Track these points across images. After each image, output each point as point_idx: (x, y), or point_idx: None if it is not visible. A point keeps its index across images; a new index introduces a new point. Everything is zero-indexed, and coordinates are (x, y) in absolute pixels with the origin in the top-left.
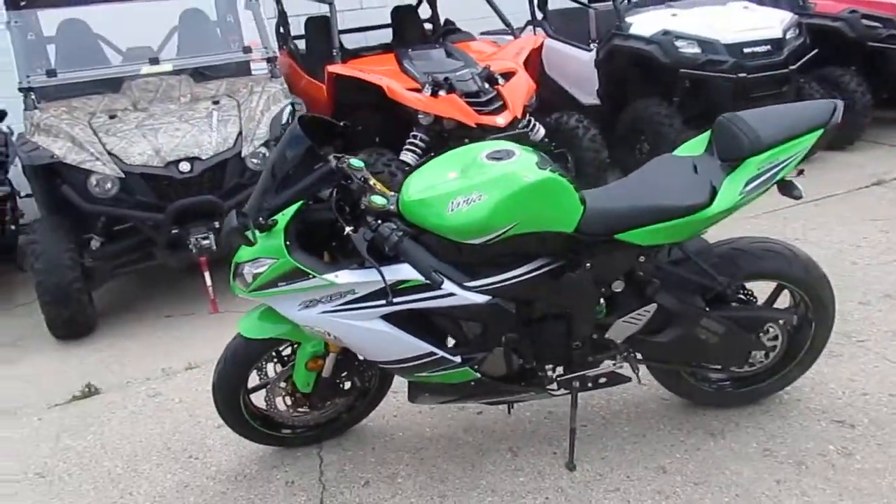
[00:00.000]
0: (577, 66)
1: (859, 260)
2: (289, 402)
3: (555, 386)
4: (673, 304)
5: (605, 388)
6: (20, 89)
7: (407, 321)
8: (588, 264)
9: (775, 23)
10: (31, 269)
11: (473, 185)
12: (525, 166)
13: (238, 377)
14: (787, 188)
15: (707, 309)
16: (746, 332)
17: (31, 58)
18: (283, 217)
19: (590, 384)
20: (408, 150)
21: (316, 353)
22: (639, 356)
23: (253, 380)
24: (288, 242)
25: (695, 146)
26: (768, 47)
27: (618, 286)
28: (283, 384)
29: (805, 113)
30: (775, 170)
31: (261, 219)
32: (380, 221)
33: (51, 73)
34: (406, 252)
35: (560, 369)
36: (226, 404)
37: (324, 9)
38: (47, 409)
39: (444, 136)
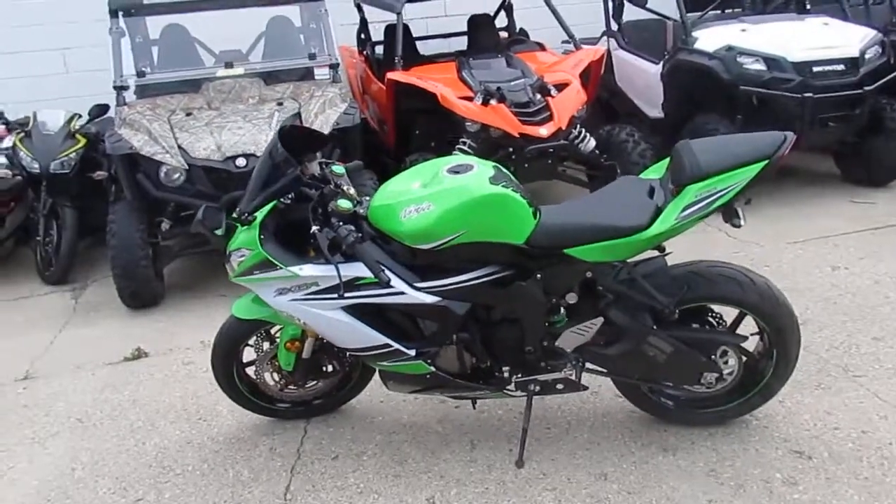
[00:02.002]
0: (644, 79)
1: (893, 294)
2: (276, 377)
3: (512, 387)
4: (620, 319)
5: (574, 395)
6: (114, 87)
7: (367, 313)
8: (538, 275)
9: (853, 41)
10: (108, 245)
11: (425, 195)
12: (476, 181)
13: (230, 352)
14: (729, 215)
15: (655, 327)
16: (696, 352)
17: (137, 57)
18: (261, 213)
19: (545, 388)
20: (455, 155)
21: (294, 335)
22: (590, 366)
23: (251, 355)
24: (262, 236)
25: (659, 169)
26: (842, 66)
27: (571, 298)
28: (269, 362)
29: (753, 143)
30: (713, 198)
31: (246, 214)
32: (341, 223)
33: (140, 74)
34: (359, 252)
35: (518, 371)
36: (222, 376)
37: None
38: (102, 366)
39: (492, 144)
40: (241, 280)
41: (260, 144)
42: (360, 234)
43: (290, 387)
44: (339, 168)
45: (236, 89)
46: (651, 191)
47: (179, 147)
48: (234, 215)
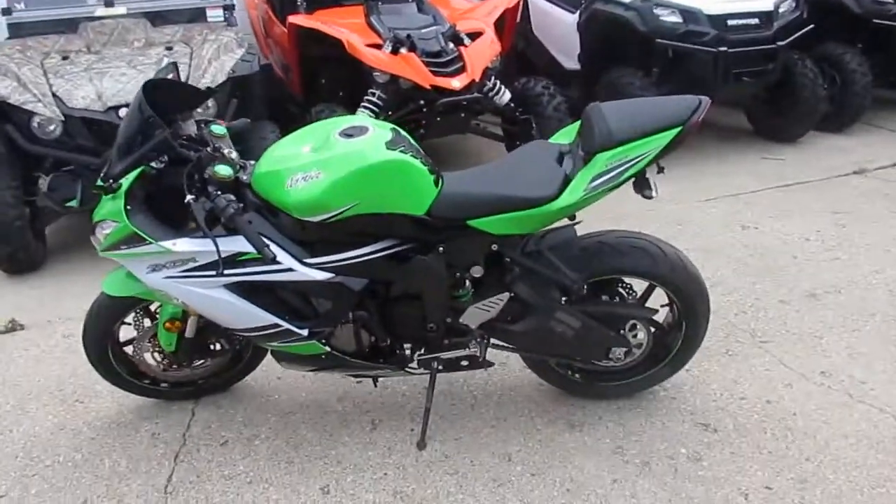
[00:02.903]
0: (561, 29)
1: (800, 254)
2: (158, 357)
3: (415, 365)
4: (527, 294)
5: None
6: None
7: (253, 292)
8: (440, 248)
9: None
10: None
11: (314, 161)
12: (371, 146)
13: (103, 332)
14: (640, 186)
15: (562, 302)
16: (605, 327)
17: None
18: (127, 180)
19: (449, 366)
20: (364, 107)
21: (174, 314)
22: (495, 342)
23: (130, 332)
24: (129, 206)
25: (570, 133)
26: (756, 20)
27: (476, 271)
28: (149, 341)
29: (666, 108)
30: (624, 167)
31: (111, 180)
32: (219, 192)
33: (6, 11)
34: (239, 224)
35: (420, 349)
36: (96, 358)
37: None
38: None
39: (402, 95)
40: (108, 255)
41: None
42: (241, 205)
43: (173, 367)
44: (219, 128)
45: (119, 31)
46: (560, 157)
47: (54, 95)
48: (99, 182)
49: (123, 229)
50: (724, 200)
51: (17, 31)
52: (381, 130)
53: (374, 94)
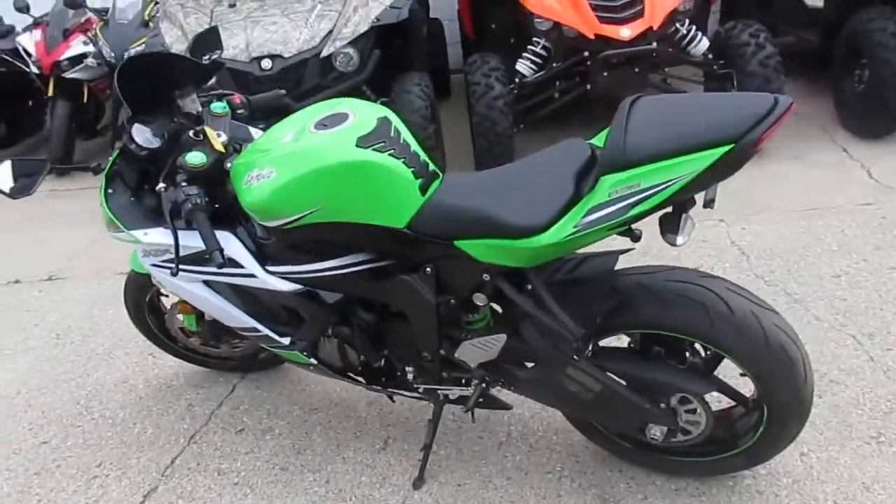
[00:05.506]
0: None
1: None
2: (188, 332)
3: (421, 391)
4: (532, 339)
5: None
6: None
7: (233, 292)
8: (427, 269)
9: None
10: None
11: (273, 157)
12: (337, 141)
13: (136, 302)
14: (666, 226)
15: (575, 357)
16: (640, 398)
17: None
18: (108, 162)
19: (461, 399)
20: (524, 58)
21: None
22: (503, 383)
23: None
24: (110, 189)
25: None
26: None
27: (479, 300)
28: (179, 315)
29: (716, 115)
30: (632, 199)
31: (99, 162)
32: (185, 182)
33: None
34: (196, 221)
35: (423, 377)
36: (138, 327)
37: None
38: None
39: (567, 47)
40: (110, 235)
41: (290, 44)
42: (206, 199)
43: (206, 345)
44: (219, 106)
45: None
46: (586, 168)
47: None
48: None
49: (105, 212)
50: None
51: None
52: (360, 121)
53: (537, 45)
